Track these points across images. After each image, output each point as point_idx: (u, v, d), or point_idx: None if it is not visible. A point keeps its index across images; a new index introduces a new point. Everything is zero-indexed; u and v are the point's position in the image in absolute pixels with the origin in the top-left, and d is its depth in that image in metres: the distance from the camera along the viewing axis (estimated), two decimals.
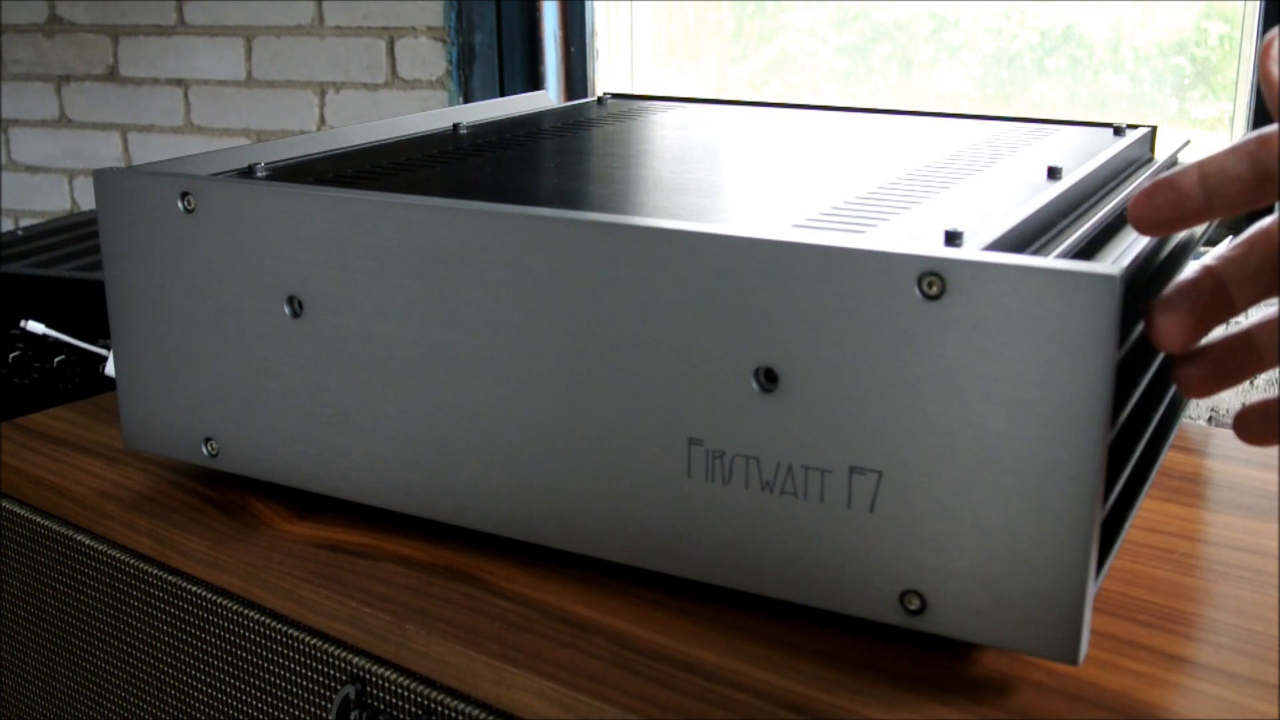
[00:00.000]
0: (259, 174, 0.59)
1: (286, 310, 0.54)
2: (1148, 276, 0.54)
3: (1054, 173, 0.57)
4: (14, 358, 0.83)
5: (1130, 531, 0.55)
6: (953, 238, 0.44)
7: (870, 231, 0.47)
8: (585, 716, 0.43)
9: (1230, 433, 0.67)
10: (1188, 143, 0.70)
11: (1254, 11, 1.26)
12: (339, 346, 0.53)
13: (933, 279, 0.41)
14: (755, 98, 1.12)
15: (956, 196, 0.54)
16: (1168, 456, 0.63)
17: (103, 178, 0.57)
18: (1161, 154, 0.73)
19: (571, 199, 0.54)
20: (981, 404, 0.41)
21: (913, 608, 0.44)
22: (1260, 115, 1.27)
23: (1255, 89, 1.26)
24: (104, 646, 0.62)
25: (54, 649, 0.65)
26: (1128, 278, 0.40)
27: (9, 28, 1.67)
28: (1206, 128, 1.29)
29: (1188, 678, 0.44)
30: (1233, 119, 1.32)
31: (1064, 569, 0.41)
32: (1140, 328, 0.46)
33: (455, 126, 0.73)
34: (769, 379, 0.44)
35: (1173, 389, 0.58)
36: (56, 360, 0.84)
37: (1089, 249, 0.50)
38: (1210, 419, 1.32)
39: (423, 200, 0.49)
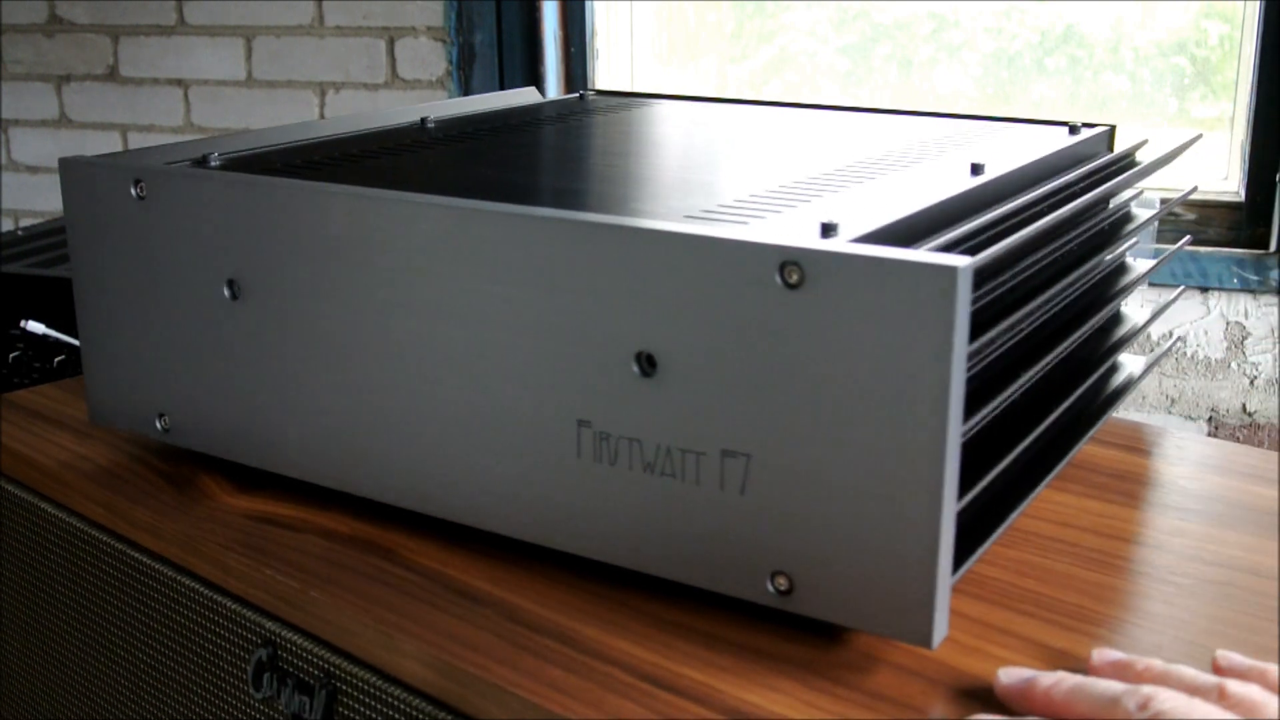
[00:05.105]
0: (212, 164, 0.62)
1: (226, 293, 0.56)
2: (1027, 268, 0.54)
3: (977, 169, 0.57)
4: (14, 358, 0.86)
5: (1040, 525, 0.55)
6: (828, 229, 0.45)
7: (756, 223, 0.49)
8: (460, 683, 0.45)
9: (1189, 436, 0.67)
10: (1145, 141, 0.70)
11: (1254, 11, 1.24)
12: (270, 327, 0.55)
13: (792, 268, 0.42)
14: (755, 97, 1.13)
15: (870, 190, 0.55)
16: (1103, 454, 0.63)
17: (67, 166, 0.61)
18: (1145, 155, 0.72)
19: (491, 190, 0.56)
20: (839, 391, 0.42)
21: (782, 589, 0.45)
22: (1260, 116, 1.26)
23: (1255, 89, 1.24)
24: (63, 610, 0.65)
25: (16, 613, 0.68)
26: (980, 270, 0.41)
27: (9, 28, 1.73)
28: (1206, 128, 1.27)
29: (1050, 665, 0.45)
30: (1233, 119, 1.30)
31: (914, 554, 0.42)
32: (1011, 320, 0.47)
33: (423, 121, 0.75)
34: (650, 364, 0.46)
35: (1086, 384, 0.58)
36: (56, 360, 0.87)
37: (972, 241, 0.50)
38: (1210, 418, 1.30)
39: (339, 188, 0.52)
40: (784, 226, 0.48)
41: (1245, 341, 1.26)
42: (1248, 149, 1.27)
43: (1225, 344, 1.27)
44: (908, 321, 0.40)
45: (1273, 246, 1.26)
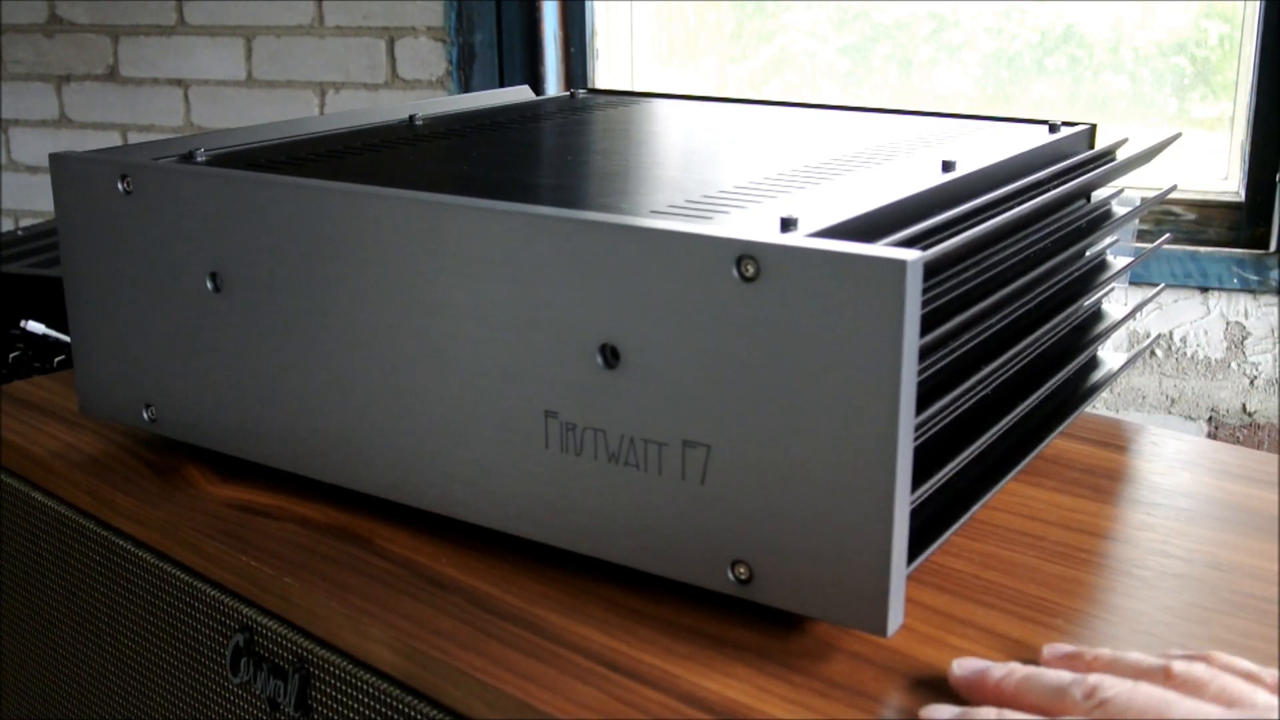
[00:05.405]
0: (198, 159, 0.63)
1: (209, 285, 0.58)
2: (995, 265, 0.55)
3: (948, 166, 0.58)
4: (14, 358, 0.87)
5: (1009, 518, 0.56)
6: (787, 224, 0.46)
7: (721, 218, 0.49)
8: (426, 668, 0.46)
9: (1164, 432, 0.67)
10: (1125, 140, 0.70)
11: (1254, 11, 1.24)
12: (251, 320, 0.56)
13: (749, 261, 0.43)
14: (755, 97, 1.13)
15: (839, 187, 0.55)
16: (1077, 449, 0.64)
17: (57, 161, 0.62)
18: (1122, 152, 0.73)
19: (469, 186, 0.57)
20: (796, 383, 0.43)
21: (742, 577, 0.46)
22: (1260, 116, 1.26)
23: (1255, 89, 1.24)
24: (55, 596, 0.66)
25: (12, 600, 0.70)
26: (935, 264, 0.41)
27: (9, 28, 1.75)
28: (1206, 128, 1.27)
29: (1008, 655, 0.45)
30: (1233, 119, 1.29)
31: (869, 545, 0.42)
32: (967, 315, 0.48)
33: (411, 118, 0.76)
34: (613, 355, 0.47)
35: (1051, 381, 0.58)
36: (56, 360, 0.88)
37: (934, 236, 0.51)
38: (1210, 419, 1.30)
39: (314, 183, 0.53)
40: (745, 221, 0.49)
41: (1245, 341, 1.26)
42: (1248, 149, 1.27)
43: (1225, 344, 1.27)
44: (859, 315, 0.41)
45: (1273, 246, 1.26)
